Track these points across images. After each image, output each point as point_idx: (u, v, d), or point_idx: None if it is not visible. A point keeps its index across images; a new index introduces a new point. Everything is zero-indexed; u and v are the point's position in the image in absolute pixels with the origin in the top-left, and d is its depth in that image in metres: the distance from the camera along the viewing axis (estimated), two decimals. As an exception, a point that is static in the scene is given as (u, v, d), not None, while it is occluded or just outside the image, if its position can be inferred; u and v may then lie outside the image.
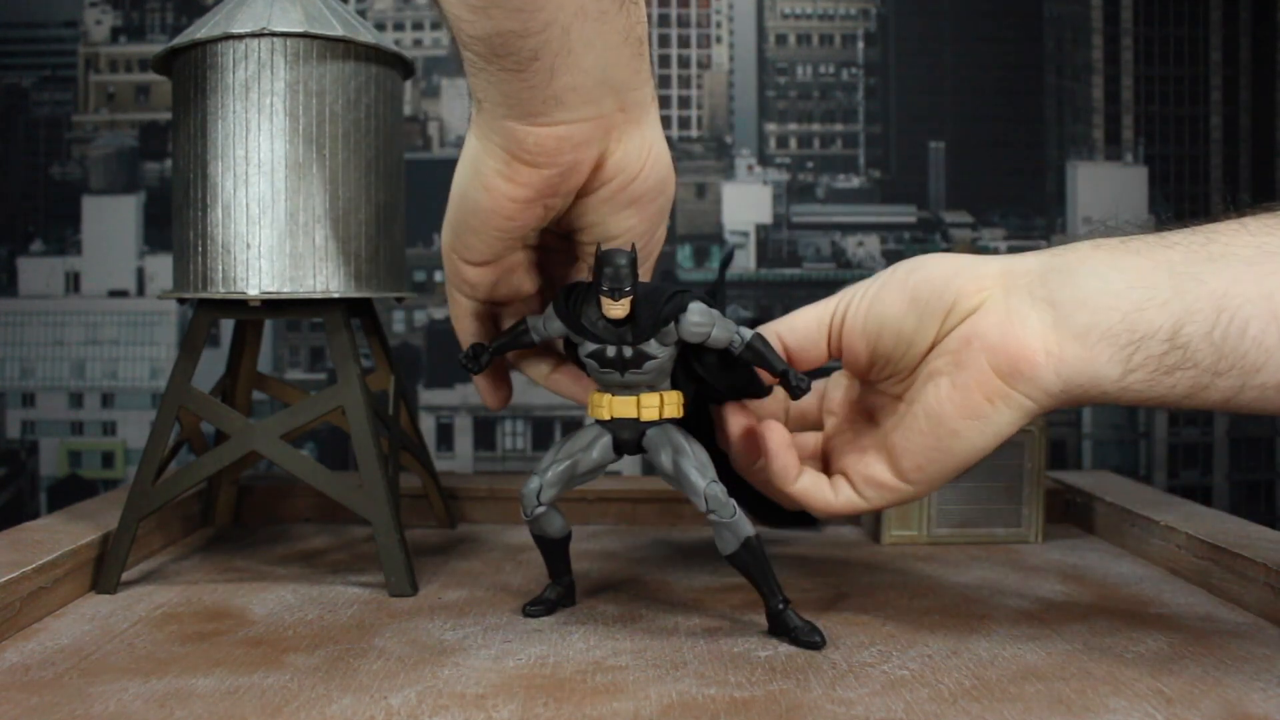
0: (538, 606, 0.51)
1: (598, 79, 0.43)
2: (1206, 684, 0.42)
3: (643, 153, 0.47)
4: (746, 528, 0.47)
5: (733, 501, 0.47)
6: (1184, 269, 0.42)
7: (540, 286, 0.53)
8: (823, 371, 0.52)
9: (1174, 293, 0.42)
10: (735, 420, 0.50)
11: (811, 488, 0.49)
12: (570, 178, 0.46)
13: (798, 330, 0.49)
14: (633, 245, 0.47)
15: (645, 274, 0.52)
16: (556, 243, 0.52)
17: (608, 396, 0.48)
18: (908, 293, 0.46)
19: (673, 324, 0.46)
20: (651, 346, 0.47)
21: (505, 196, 0.45)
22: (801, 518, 0.58)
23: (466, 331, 0.53)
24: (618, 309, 0.45)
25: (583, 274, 0.52)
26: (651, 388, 0.48)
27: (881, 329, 0.47)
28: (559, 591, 0.52)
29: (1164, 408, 0.45)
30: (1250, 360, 0.41)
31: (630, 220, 0.49)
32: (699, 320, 0.46)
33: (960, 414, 0.45)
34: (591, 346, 0.48)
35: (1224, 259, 0.42)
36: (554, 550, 0.51)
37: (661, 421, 0.48)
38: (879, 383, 0.50)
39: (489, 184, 0.45)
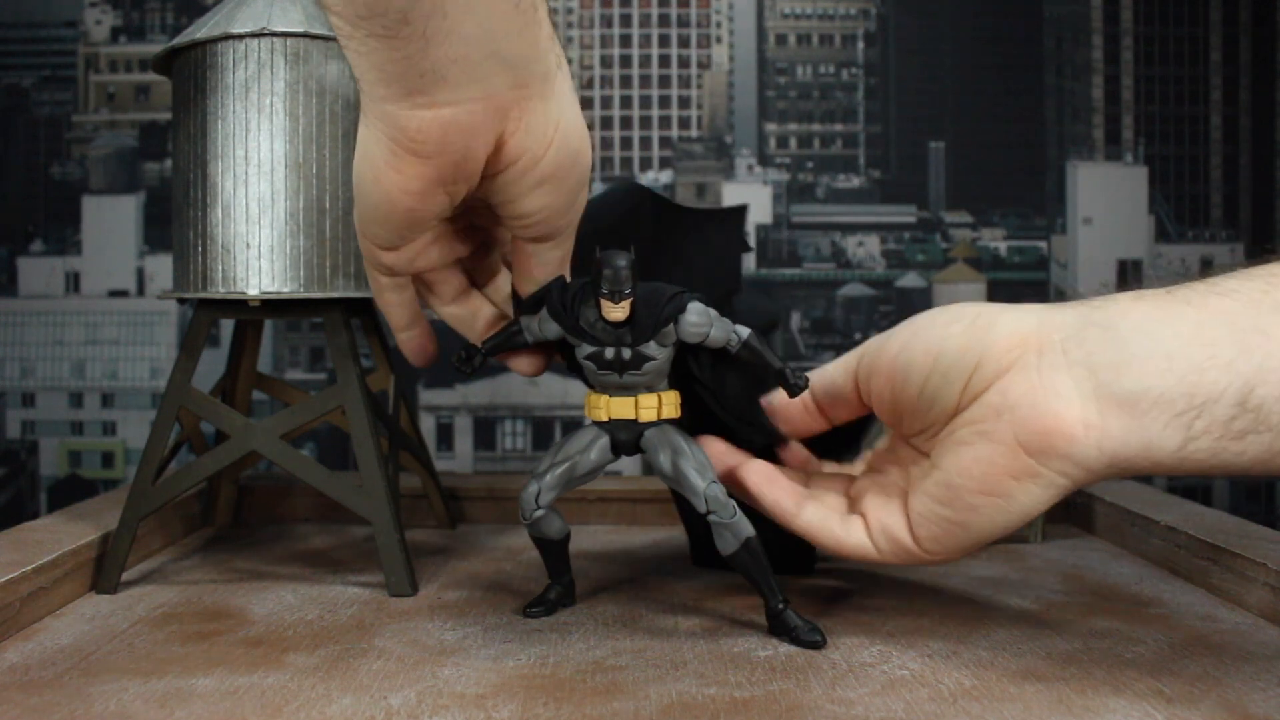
0: (538, 607, 0.51)
1: (484, 51, 0.38)
2: (1206, 684, 0.42)
3: (548, 131, 0.42)
4: (746, 528, 0.47)
5: (732, 502, 0.47)
6: (1247, 321, 0.38)
7: (473, 247, 0.49)
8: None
9: (1239, 350, 0.38)
10: (720, 462, 0.49)
11: (818, 522, 0.47)
12: (465, 166, 0.41)
13: (826, 377, 0.47)
14: (632, 247, 0.46)
15: (567, 245, 0.48)
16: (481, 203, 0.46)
17: (605, 397, 0.48)
18: (935, 347, 0.43)
19: (671, 325, 0.46)
20: (650, 348, 0.47)
21: (398, 189, 0.41)
22: (797, 563, 0.57)
23: (391, 306, 0.49)
24: (618, 311, 0.45)
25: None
26: (649, 389, 0.48)
27: (907, 379, 0.44)
28: (559, 591, 0.52)
29: (1225, 476, 0.43)
30: None
31: (543, 199, 0.44)
32: (697, 320, 0.46)
33: (980, 489, 0.42)
34: (589, 349, 0.47)
35: None
36: (553, 551, 0.51)
37: (660, 422, 0.48)
38: (911, 436, 0.47)
39: (379, 175, 0.41)
